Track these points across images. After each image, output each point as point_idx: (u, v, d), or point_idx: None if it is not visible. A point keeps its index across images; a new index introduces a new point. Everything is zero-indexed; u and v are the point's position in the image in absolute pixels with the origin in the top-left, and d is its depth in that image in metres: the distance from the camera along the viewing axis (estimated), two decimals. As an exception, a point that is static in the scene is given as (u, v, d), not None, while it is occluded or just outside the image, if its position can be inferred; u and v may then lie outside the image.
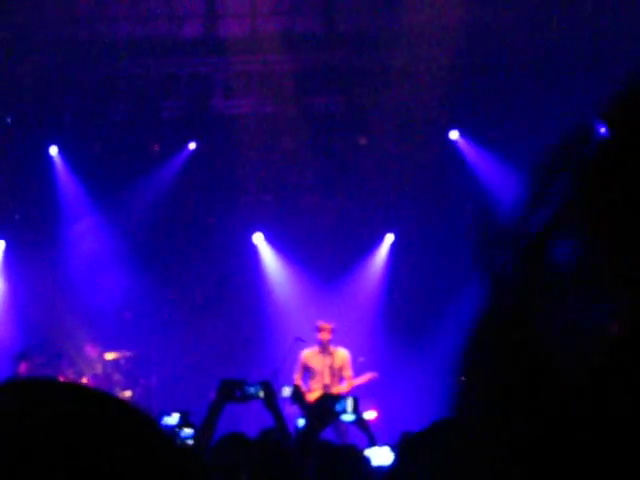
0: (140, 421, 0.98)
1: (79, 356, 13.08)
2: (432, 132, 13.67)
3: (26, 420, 0.92)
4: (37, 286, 13.70)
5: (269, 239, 14.79)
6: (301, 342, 11.98)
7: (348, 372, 11.69)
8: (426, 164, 13.67)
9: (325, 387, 11.40)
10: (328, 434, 7.05)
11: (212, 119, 14.14)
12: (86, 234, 14.35)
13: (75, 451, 0.91)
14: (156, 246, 14.19)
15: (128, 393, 12.58)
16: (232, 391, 5.27)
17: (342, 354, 11.73)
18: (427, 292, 13.70)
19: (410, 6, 12.68)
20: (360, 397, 5.70)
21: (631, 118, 0.72)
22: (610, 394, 0.65)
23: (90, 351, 13.12)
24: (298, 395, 8.29)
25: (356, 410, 5.44)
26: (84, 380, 12.37)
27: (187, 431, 6.03)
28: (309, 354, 11.70)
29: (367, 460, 4.97)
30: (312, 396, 10.72)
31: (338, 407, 5.32)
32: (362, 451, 5.08)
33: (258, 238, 14.81)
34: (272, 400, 5.30)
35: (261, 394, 5.28)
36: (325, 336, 11.64)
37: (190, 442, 5.75)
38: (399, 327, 13.65)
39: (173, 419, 6.14)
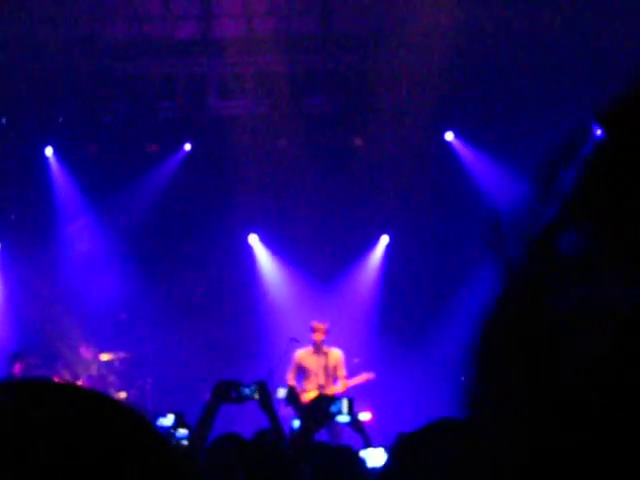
0: (135, 422, 0.98)
1: (74, 357, 13.07)
2: (428, 133, 13.69)
3: (21, 420, 0.92)
4: (32, 287, 13.70)
5: (264, 240, 14.79)
6: (296, 342, 12.00)
7: (342, 372, 11.71)
8: (422, 165, 13.69)
9: (320, 387, 11.42)
10: (322, 435, 7.05)
11: (208, 120, 14.14)
12: (81, 235, 14.35)
13: (70, 452, 0.90)
14: (151, 247, 14.19)
15: (123, 394, 12.56)
16: (228, 392, 5.26)
17: (336, 354, 11.76)
18: (422, 293, 13.72)
19: (405, 8, 12.67)
20: (355, 398, 5.70)
21: (631, 118, 0.72)
22: (625, 377, 0.66)
23: (85, 352, 13.10)
24: (293, 396, 8.30)
25: (351, 411, 5.44)
26: (79, 382, 12.35)
27: (182, 432, 6.03)
28: (303, 354, 11.72)
29: (362, 461, 4.97)
30: (307, 397, 10.73)
31: (333, 408, 5.32)
32: (357, 452, 5.08)
33: (253, 239, 14.82)
34: (267, 401, 5.30)
35: (256, 395, 5.28)
36: (319, 336, 11.68)
37: (185, 443, 5.75)
38: (394, 328, 13.66)
39: (168, 420, 6.15)
